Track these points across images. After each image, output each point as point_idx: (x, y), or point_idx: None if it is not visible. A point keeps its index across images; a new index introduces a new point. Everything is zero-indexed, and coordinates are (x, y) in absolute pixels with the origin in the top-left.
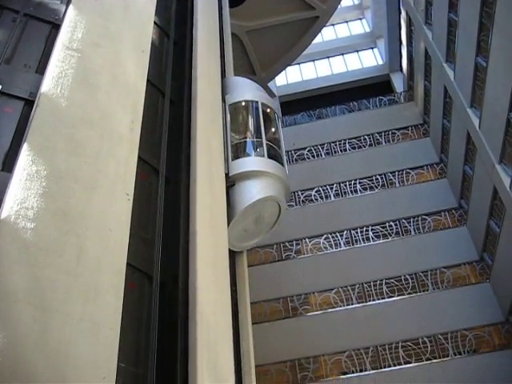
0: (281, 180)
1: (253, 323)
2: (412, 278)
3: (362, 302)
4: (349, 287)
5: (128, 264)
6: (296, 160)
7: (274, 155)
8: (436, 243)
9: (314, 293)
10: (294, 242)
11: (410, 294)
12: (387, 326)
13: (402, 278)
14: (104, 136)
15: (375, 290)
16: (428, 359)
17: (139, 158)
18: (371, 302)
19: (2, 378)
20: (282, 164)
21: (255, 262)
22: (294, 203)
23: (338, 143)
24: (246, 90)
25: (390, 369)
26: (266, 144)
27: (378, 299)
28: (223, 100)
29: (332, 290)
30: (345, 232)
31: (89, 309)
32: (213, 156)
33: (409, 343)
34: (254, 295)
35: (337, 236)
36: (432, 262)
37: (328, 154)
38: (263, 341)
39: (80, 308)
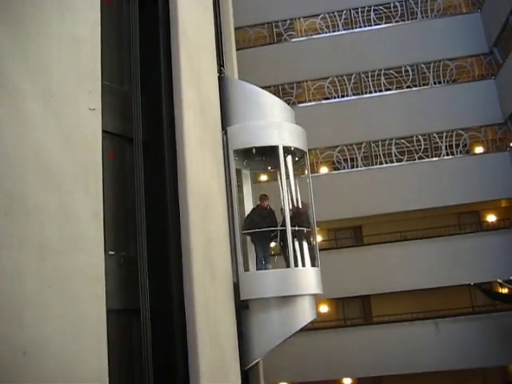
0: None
1: (237, 49)
2: (402, 6)
3: (348, 29)
4: (336, 13)
5: None
6: None
7: (304, 246)
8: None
9: (299, 18)
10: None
11: (397, 21)
12: (371, 54)
13: (391, 5)
14: None
15: (362, 17)
16: (408, 87)
17: None
18: (357, 29)
19: None
20: (315, 261)
21: None
22: None
23: None
24: (259, 119)
25: (371, 95)
26: (293, 230)
27: (365, 26)
28: (223, 129)
29: (318, 15)
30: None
31: None
32: None
33: (391, 71)
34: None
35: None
36: None
37: None
38: None
39: None
